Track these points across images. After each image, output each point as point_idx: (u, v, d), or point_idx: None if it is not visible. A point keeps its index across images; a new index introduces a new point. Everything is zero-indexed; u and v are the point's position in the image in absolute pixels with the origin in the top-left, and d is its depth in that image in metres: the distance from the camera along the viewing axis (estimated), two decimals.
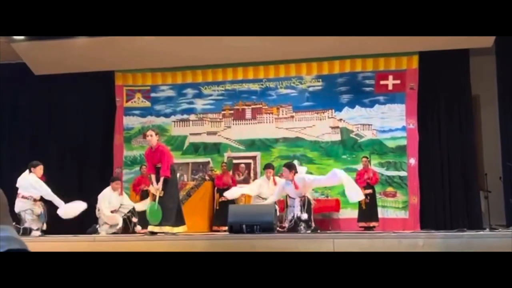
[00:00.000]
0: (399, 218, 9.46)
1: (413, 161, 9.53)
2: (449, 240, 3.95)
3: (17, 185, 6.69)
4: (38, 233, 6.50)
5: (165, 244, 3.83)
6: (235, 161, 9.88)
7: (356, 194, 6.21)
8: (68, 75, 10.22)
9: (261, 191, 7.36)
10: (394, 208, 9.55)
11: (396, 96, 9.86)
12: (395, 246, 3.87)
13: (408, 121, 9.71)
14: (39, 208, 6.62)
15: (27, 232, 6.25)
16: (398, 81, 9.84)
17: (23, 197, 6.54)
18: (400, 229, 8.98)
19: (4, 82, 10.87)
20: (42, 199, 6.81)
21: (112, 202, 7.42)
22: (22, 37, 9.43)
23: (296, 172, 6.34)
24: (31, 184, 6.58)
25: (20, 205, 6.52)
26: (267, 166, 7.87)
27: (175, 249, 3.82)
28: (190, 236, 4.16)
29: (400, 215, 9.50)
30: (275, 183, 7.19)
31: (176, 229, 5.64)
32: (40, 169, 6.72)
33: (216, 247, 3.78)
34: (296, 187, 5.98)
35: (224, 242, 3.92)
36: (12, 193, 8.30)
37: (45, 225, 6.67)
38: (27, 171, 6.73)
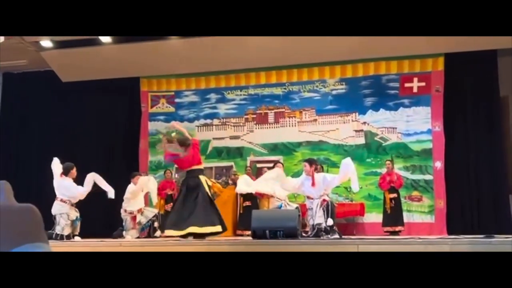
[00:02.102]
0: (425, 222, 9.31)
1: (439, 164, 9.38)
2: (476, 246, 3.86)
3: (55, 189, 6.82)
4: (79, 238, 6.65)
5: (189, 249, 3.86)
6: (258, 165, 9.90)
7: (357, 184, 6.16)
8: (95, 81, 10.44)
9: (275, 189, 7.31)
10: (419, 212, 9.41)
11: (421, 98, 9.73)
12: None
13: (433, 124, 9.56)
14: (75, 213, 6.75)
15: (58, 238, 6.38)
16: (423, 83, 9.72)
17: (61, 200, 6.68)
18: (426, 234, 8.83)
19: (34, 89, 11.19)
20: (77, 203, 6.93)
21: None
22: (50, 45, 9.69)
23: (316, 168, 6.28)
24: (67, 189, 6.69)
25: (57, 208, 6.66)
26: (277, 162, 7.82)
27: (201, 252, 3.84)
28: (213, 241, 4.18)
29: (426, 219, 9.35)
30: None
31: (203, 229, 5.77)
32: (74, 171, 6.86)
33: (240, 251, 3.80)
34: (313, 183, 5.89)
35: (247, 247, 3.93)
36: (40, 197, 8.54)
37: (78, 229, 6.80)
38: (60, 174, 6.82)
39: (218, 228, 5.90)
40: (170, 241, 4.19)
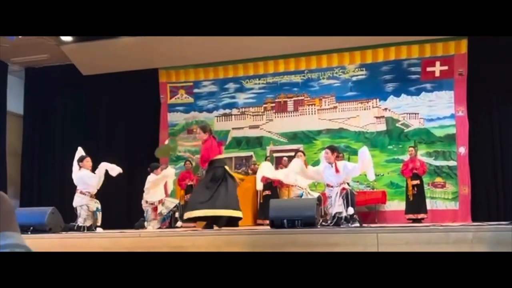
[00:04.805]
0: (448, 209, 9.15)
1: (463, 150, 9.17)
2: (501, 233, 3.75)
3: (75, 182, 6.89)
4: (101, 229, 6.69)
5: (207, 240, 3.87)
6: (277, 154, 9.85)
7: (372, 173, 5.95)
8: (114, 74, 10.52)
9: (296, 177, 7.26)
10: (443, 199, 9.24)
11: (443, 82, 9.51)
12: (443, 240, 3.73)
13: (457, 109, 9.35)
14: (95, 204, 6.80)
15: (80, 229, 6.45)
16: (445, 67, 9.49)
17: (81, 192, 6.75)
18: (450, 221, 8.69)
19: (55, 83, 11.36)
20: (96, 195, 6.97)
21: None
22: (70, 39, 9.78)
23: (338, 155, 6.19)
24: (85, 179, 6.74)
25: (78, 200, 6.73)
26: (298, 151, 7.74)
27: (217, 244, 3.85)
28: (231, 231, 4.18)
29: (450, 206, 9.18)
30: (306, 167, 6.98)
31: (233, 213, 5.80)
32: (87, 161, 6.90)
33: (257, 242, 3.78)
34: (337, 170, 5.80)
35: (265, 237, 3.90)
36: (63, 189, 8.69)
37: (99, 220, 6.83)
38: (77, 167, 6.88)
39: (240, 214, 5.98)
40: (189, 232, 4.20)
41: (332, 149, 6.14)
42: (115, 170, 6.90)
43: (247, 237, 3.92)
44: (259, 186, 7.45)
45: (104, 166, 6.81)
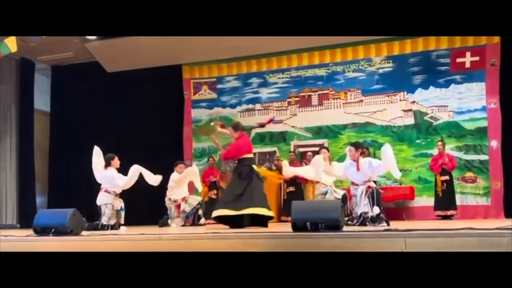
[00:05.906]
0: (480, 205, 8.84)
1: (495, 143, 8.84)
2: None
3: (98, 180, 6.86)
4: (124, 228, 6.67)
5: (226, 243, 3.77)
6: (302, 149, 9.71)
7: (397, 170, 5.60)
8: (138, 71, 10.54)
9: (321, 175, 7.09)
10: (474, 194, 8.93)
11: (474, 74, 9.17)
12: (476, 245, 3.53)
13: (488, 101, 9.00)
14: (119, 203, 6.78)
15: (104, 228, 6.45)
16: (476, 58, 9.14)
17: (106, 191, 6.73)
18: (481, 218, 8.42)
19: (80, 80, 11.46)
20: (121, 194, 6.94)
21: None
22: (94, 37, 9.82)
23: (363, 152, 6.00)
24: (111, 179, 6.70)
25: (102, 199, 6.72)
26: (322, 146, 7.57)
27: (237, 247, 3.75)
28: (252, 234, 4.07)
29: (481, 202, 8.87)
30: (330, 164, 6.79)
31: (260, 210, 5.74)
32: (117, 160, 6.89)
33: (278, 245, 3.66)
34: (358, 168, 5.60)
35: (286, 240, 3.78)
36: (91, 187, 8.75)
37: (123, 218, 6.80)
38: (104, 165, 6.85)
39: (272, 214, 5.95)
40: (209, 234, 4.12)
41: (356, 146, 5.92)
42: (154, 179, 6.85)
43: (268, 241, 3.81)
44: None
45: (138, 169, 6.73)
